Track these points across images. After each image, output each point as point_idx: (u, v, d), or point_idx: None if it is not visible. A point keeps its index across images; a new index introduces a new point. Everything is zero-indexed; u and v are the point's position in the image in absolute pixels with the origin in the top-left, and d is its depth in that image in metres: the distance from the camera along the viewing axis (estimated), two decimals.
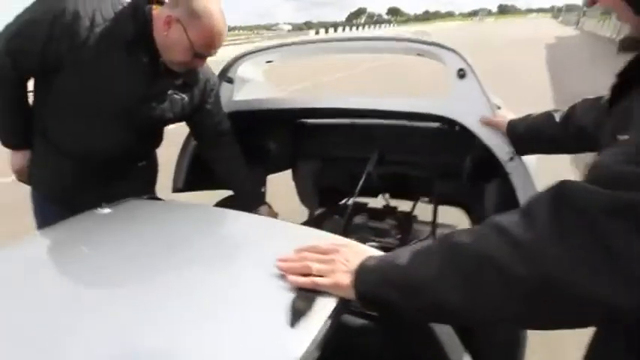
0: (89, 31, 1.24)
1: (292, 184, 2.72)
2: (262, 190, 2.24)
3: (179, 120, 1.55)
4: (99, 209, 1.14)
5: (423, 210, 2.45)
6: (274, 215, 1.73)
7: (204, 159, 1.72)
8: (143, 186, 1.65)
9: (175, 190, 1.94)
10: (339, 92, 7.68)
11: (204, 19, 1.26)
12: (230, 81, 1.79)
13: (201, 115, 1.57)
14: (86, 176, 1.48)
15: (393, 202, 2.83)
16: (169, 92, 1.43)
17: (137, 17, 1.30)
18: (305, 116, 1.86)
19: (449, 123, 1.43)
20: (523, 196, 1.34)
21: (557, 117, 1.15)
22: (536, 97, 7.20)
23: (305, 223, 2.30)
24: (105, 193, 1.51)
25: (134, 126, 1.43)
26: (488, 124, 1.35)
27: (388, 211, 2.29)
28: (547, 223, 0.52)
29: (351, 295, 0.70)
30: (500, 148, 1.34)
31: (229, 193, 2.25)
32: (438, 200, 2.20)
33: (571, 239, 0.50)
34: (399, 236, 1.95)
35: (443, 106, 1.44)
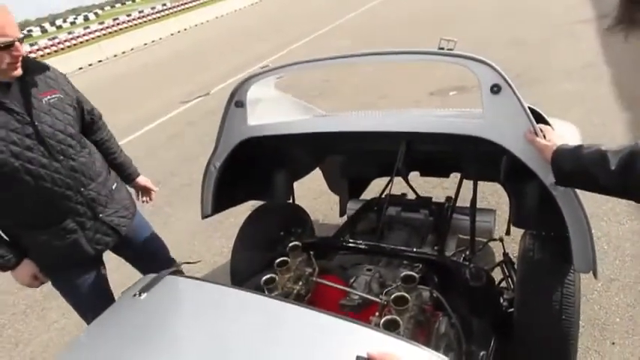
0: None
1: None
2: (290, 195, 2.21)
3: (80, 122, 1.62)
4: (137, 295, 1.14)
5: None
6: (150, 185, 1.95)
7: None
8: (128, 208, 1.75)
9: (205, 216, 1.94)
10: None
11: None
12: (241, 105, 1.69)
13: (81, 107, 1.64)
14: (73, 232, 1.54)
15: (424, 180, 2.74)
16: (45, 101, 1.46)
17: None
18: (325, 139, 1.77)
19: (484, 143, 1.30)
20: (571, 221, 1.23)
21: (613, 162, 0.96)
22: None
23: (347, 224, 2.27)
24: (99, 239, 1.63)
25: (55, 150, 1.46)
26: (531, 143, 1.22)
27: (423, 203, 2.22)
28: None
29: None
30: (546, 173, 1.21)
31: (258, 203, 2.27)
32: (476, 178, 2.10)
33: None
34: (436, 247, 1.89)
35: (476, 125, 1.30)
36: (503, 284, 1.81)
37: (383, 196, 2.21)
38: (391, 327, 1.20)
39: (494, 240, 1.97)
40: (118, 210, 1.68)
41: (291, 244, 1.70)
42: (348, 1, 14.20)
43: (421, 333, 1.40)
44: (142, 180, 1.94)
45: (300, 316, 1.03)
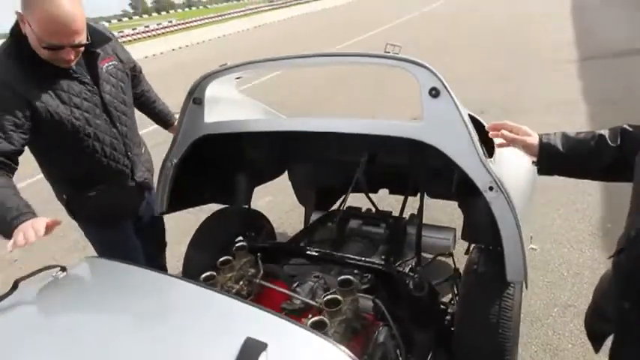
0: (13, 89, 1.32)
1: None
2: (249, 200, 2.19)
3: (133, 87, 1.76)
4: (56, 272, 1.11)
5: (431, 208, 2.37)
6: None
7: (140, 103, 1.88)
8: (149, 175, 1.87)
9: (159, 213, 1.91)
10: None
11: (39, 6, 1.23)
12: (199, 102, 1.70)
13: (129, 68, 1.72)
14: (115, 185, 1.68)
15: (392, 198, 2.74)
16: (104, 69, 1.55)
17: (14, 36, 1.37)
18: (283, 142, 1.78)
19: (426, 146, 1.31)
20: (503, 227, 1.23)
21: (612, 140, 1.00)
22: None
23: (303, 232, 2.26)
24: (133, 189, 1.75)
25: (114, 117, 1.59)
26: (513, 142, 1.15)
27: (381, 217, 2.21)
28: None
29: None
30: (480, 176, 1.22)
31: (217, 207, 2.24)
32: (433, 196, 2.12)
33: None
34: (383, 257, 1.88)
35: (417, 129, 1.31)
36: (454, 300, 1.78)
37: (343, 207, 2.20)
38: (318, 327, 1.17)
39: (443, 255, 1.96)
40: (145, 171, 1.83)
41: (237, 245, 1.67)
42: (357, 22, 14.58)
43: (357, 340, 1.37)
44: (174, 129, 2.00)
45: (196, 295, 1.01)
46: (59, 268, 1.13)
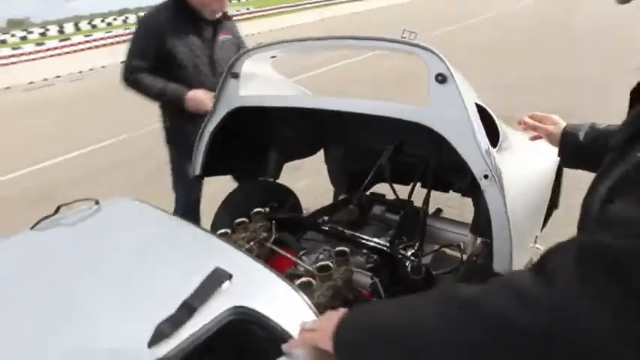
0: (161, 31, 2.10)
1: None
2: (279, 175, 2.33)
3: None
4: (91, 204, 1.31)
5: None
6: None
7: None
8: None
9: (193, 175, 2.10)
10: None
11: None
12: (236, 76, 1.84)
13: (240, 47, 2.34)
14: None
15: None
16: (220, 39, 2.22)
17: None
18: (311, 118, 1.88)
19: (429, 131, 1.34)
20: (493, 216, 1.24)
21: None
22: None
23: (322, 209, 2.36)
24: None
25: (217, 71, 2.18)
26: (535, 129, 1.17)
27: (400, 204, 2.24)
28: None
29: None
30: (476, 164, 1.23)
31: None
32: (456, 191, 2.12)
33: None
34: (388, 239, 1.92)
35: (421, 113, 1.34)
36: None
37: (360, 191, 2.29)
38: (305, 287, 1.26)
39: (450, 247, 1.96)
40: None
41: (255, 210, 1.81)
42: (422, 20, 14.27)
43: (347, 308, 1.45)
44: None
45: (192, 235, 1.16)
46: (94, 202, 1.33)
